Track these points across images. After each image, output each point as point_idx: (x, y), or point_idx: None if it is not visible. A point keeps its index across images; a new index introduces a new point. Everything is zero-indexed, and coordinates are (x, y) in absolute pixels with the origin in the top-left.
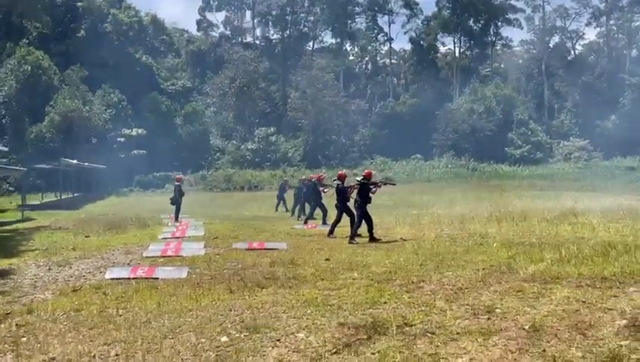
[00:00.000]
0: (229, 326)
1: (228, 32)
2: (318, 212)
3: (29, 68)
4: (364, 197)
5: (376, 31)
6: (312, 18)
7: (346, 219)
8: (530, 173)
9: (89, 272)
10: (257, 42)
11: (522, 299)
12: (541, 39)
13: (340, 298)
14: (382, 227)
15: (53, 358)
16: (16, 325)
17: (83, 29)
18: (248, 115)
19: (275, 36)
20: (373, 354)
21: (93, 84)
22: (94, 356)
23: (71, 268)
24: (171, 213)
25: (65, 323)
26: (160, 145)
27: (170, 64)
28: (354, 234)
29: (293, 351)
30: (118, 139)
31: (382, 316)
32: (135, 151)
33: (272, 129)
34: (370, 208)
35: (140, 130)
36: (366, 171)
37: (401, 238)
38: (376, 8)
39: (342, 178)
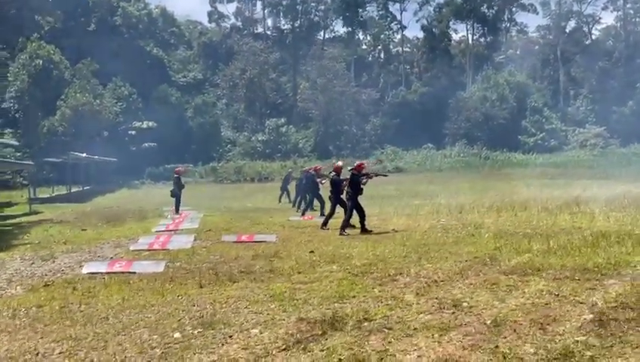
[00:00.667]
0: (187, 321)
1: (239, 24)
2: (318, 203)
3: (41, 62)
4: (355, 189)
5: (389, 19)
6: (322, 7)
7: (341, 211)
8: (544, 161)
9: (69, 266)
10: (268, 33)
11: (495, 292)
12: (557, 24)
13: (309, 292)
14: (379, 218)
15: None
16: None
17: (93, 22)
18: (259, 106)
19: (285, 26)
20: (321, 350)
21: (104, 78)
22: (38, 353)
23: (54, 262)
24: (173, 206)
25: (23, 319)
26: (171, 138)
27: (182, 56)
28: (344, 226)
29: (242, 348)
30: (129, 132)
31: (345, 311)
32: (146, 144)
33: (282, 120)
34: (373, 198)
35: (150, 123)
36: (357, 163)
37: (394, 229)
38: None
39: (337, 170)
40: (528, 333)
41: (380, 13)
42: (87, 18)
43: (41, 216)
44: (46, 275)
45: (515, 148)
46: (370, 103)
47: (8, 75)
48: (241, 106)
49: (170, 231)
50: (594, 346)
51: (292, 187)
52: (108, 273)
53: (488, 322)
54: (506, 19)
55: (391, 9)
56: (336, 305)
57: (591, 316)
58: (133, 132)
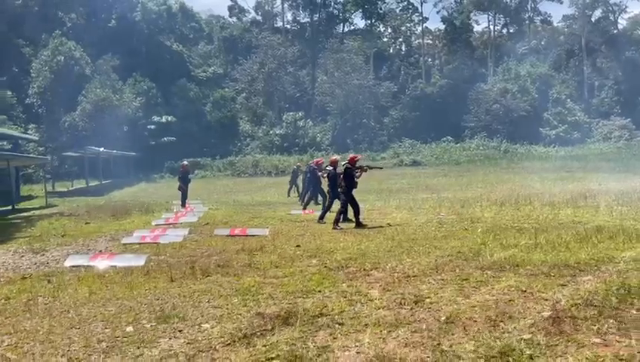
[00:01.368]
0: (146, 315)
1: (259, 17)
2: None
3: (62, 58)
4: (349, 183)
5: (410, 11)
6: (341, 0)
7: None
8: (565, 153)
9: (55, 260)
10: (288, 26)
11: (462, 288)
12: (582, 13)
13: (278, 286)
14: (381, 212)
15: None
16: None
17: (114, 19)
18: (278, 99)
19: (305, 19)
20: (264, 346)
21: (124, 73)
22: None
23: (43, 255)
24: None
25: None
26: (190, 132)
27: (202, 51)
28: (337, 220)
29: (187, 342)
30: (149, 127)
31: (305, 306)
32: (165, 138)
33: (300, 113)
34: (383, 192)
35: (169, 117)
36: (350, 156)
37: (388, 223)
38: None
39: (334, 164)
40: (478, 331)
41: (401, 4)
42: (108, 14)
43: (54, 210)
44: (29, 268)
45: (536, 141)
46: (389, 96)
47: (31, 71)
48: (260, 100)
49: (170, 224)
50: (538, 345)
51: (301, 181)
52: (88, 266)
53: (443, 319)
54: (529, 8)
55: (412, 0)
56: (299, 300)
57: (548, 313)
58: (153, 126)
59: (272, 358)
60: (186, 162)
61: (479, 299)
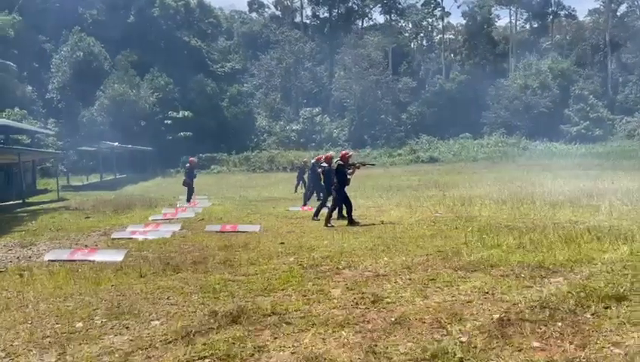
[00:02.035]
0: (101, 311)
1: (278, 13)
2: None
3: (82, 54)
4: (342, 180)
5: (432, 5)
6: None
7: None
8: (586, 151)
9: (40, 254)
10: (307, 22)
11: (426, 288)
12: (607, 7)
13: (244, 284)
14: (379, 209)
15: None
16: None
17: (132, 14)
18: (295, 95)
19: (324, 15)
20: (203, 344)
21: (142, 68)
22: None
23: (30, 249)
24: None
25: None
26: (206, 127)
27: (221, 46)
28: (329, 217)
29: (130, 339)
30: (166, 122)
31: (262, 304)
32: (182, 133)
33: (317, 109)
34: (391, 189)
35: (186, 113)
36: (342, 153)
37: (382, 221)
38: None
39: (328, 160)
40: (420, 332)
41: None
42: (127, 10)
43: (63, 204)
44: (10, 262)
45: (557, 138)
46: (407, 92)
47: (51, 66)
48: (278, 96)
49: (166, 219)
50: (474, 348)
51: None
52: (68, 261)
53: (392, 319)
54: (552, 3)
55: None
56: (258, 298)
57: (498, 316)
58: (170, 121)
59: (205, 357)
60: (193, 158)
61: (438, 299)
